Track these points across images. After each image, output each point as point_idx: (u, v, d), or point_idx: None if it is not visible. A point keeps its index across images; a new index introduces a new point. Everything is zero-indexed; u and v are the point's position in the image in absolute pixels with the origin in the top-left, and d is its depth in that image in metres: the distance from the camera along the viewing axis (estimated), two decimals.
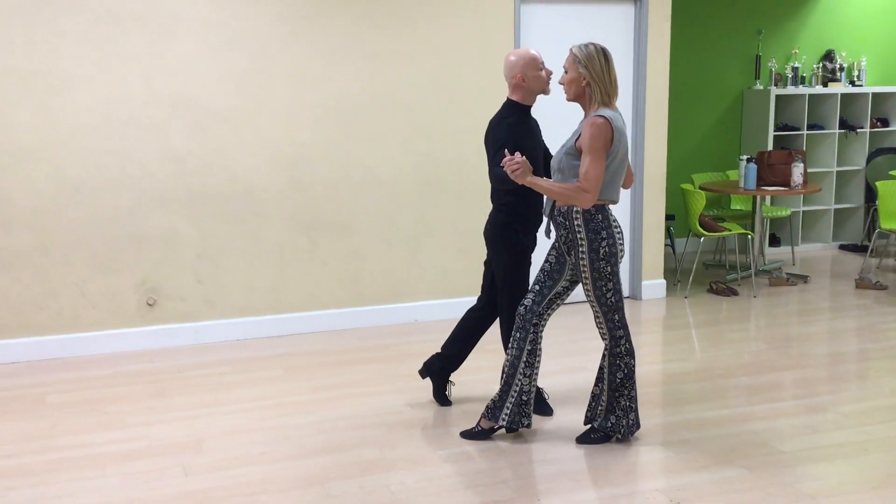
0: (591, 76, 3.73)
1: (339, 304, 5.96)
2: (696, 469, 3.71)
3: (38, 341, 5.36)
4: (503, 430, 4.07)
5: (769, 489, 3.52)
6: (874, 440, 4.01)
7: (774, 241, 8.59)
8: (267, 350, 5.53)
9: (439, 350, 4.52)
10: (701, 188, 7.23)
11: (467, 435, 4.08)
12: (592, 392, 4.04)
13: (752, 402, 4.51)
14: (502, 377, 3.98)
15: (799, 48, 8.56)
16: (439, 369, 4.50)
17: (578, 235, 3.77)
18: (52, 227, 5.30)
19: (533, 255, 4.26)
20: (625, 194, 6.57)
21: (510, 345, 3.96)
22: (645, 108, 6.46)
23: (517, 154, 3.73)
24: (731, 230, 6.91)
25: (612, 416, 3.95)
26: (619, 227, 3.82)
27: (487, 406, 4.03)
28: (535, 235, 4.21)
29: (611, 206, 3.83)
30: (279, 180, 5.70)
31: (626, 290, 6.72)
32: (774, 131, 8.29)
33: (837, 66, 8.64)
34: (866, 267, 7.52)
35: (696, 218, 6.81)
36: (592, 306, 3.87)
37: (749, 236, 7.11)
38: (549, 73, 4.13)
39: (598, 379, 3.99)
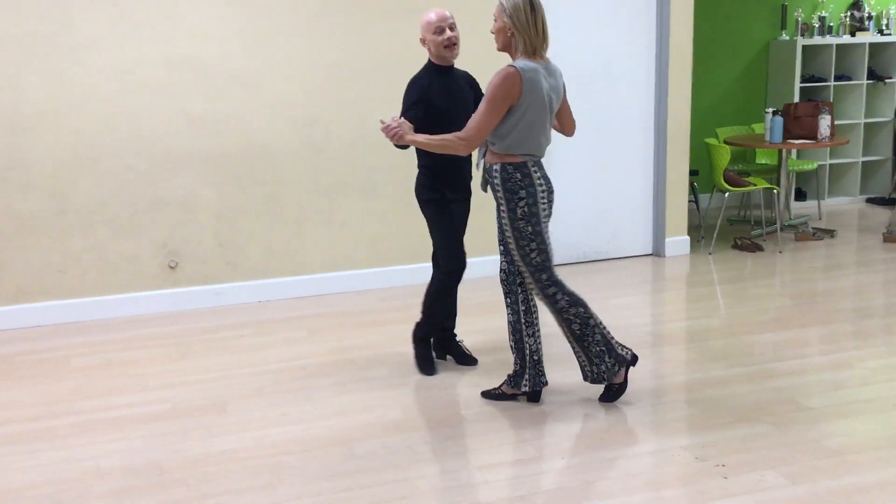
0: (516, 26, 3.60)
1: (359, 264, 5.94)
2: (722, 426, 3.68)
3: (60, 305, 5.38)
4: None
5: (795, 445, 3.47)
6: None
7: (800, 196, 8.45)
8: (288, 312, 5.52)
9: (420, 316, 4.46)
10: (725, 142, 7.10)
11: (488, 395, 4.06)
12: (573, 353, 3.97)
13: (777, 359, 4.45)
14: (511, 346, 3.93)
15: None
16: (422, 335, 4.44)
17: (498, 194, 3.70)
18: (71, 192, 5.30)
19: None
20: (647, 149, 6.47)
21: (507, 311, 3.89)
22: (668, 61, 6.32)
23: (391, 119, 3.73)
24: (756, 185, 6.79)
25: (595, 367, 3.87)
26: (547, 184, 3.70)
27: (509, 375, 3.98)
28: (462, 188, 4.21)
29: (542, 162, 3.72)
30: (296, 141, 5.65)
31: (649, 247, 6.64)
32: (801, 83, 8.11)
33: (865, 14, 8.43)
34: (894, 220, 7.38)
35: (720, 173, 6.69)
36: (518, 267, 3.78)
37: (775, 191, 6.99)
38: (450, 38, 4.03)
39: (566, 339, 3.91)
